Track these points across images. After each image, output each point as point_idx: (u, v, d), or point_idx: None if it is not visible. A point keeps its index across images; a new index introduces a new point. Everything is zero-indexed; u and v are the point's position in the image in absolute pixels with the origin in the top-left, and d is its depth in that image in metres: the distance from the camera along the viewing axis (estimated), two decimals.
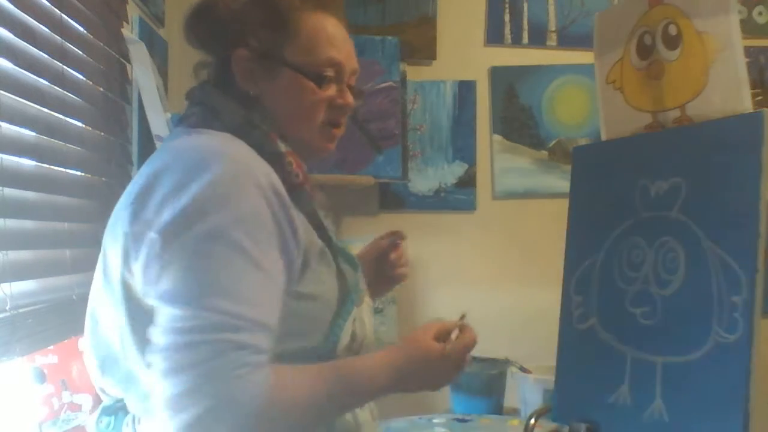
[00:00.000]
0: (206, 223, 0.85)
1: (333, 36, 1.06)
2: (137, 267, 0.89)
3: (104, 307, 0.97)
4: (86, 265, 1.33)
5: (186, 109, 1.05)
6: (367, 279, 1.21)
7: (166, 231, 0.86)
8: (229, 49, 1.02)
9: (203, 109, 1.01)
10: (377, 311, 2.37)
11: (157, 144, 1.59)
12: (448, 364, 1.02)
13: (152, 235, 0.86)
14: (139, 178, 0.94)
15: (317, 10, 1.05)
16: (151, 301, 0.87)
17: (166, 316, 0.84)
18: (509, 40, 2.58)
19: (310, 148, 1.06)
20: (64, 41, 1.25)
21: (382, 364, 0.98)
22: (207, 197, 0.86)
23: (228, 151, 0.92)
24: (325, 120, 1.06)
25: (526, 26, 2.58)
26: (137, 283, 0.89)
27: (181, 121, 1.03)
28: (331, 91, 1.05)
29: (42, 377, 1.26)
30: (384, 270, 1.32)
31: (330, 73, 1.04)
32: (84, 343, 1.02)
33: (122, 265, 0.91)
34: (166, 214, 0.86)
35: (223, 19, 1.03)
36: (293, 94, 1.04)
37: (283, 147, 1.00)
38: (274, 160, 0.97)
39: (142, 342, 0.88)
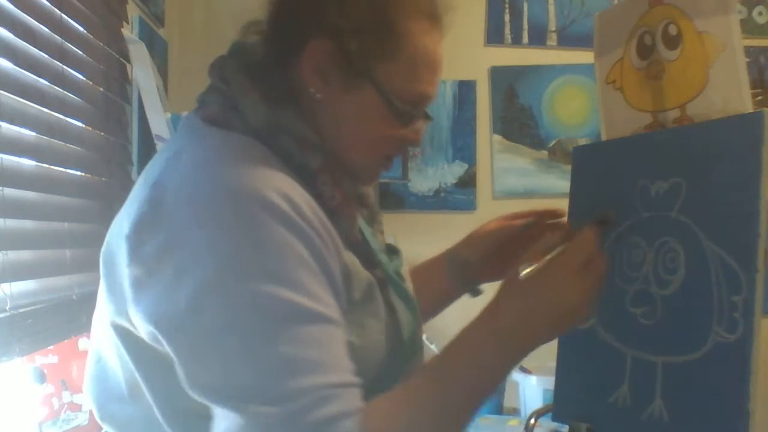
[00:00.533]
0: (229, 298, 0.69)
1: (434, 64, 0.85)
2: (138, 322, 0.74)
3: (106, 341, 0.83)
4: (86, 265, 1.33)
5: (206, 90, 0.87)
6: (475, 258, 1.07)
7: (179, 322, 0.70)
8: (310, 33, 0.82)
9: (224, 101, 0.83)
10: None
11: (157, 144, 1.59)
12: (548, 289, 0.81)
13: (163, 318, 0.71)
14: (141, 190, 0.78)
15: (427, 22, 0.84)
16: (192, 393, 0.71)
17: (224, 421, 0.69)
18: (509, 40, 2.58)
19: (355, 175, 0.87)
20: (64, 41, 1.25)
21: (476, 331, 0.80)
22: (217, 271, 0.69)
23: (241, 179, 0.73)
24: (387, 154, 0.89)
25: (526, 26, 2.58)
26: (140, 332, 0.75)
27: (199, 106, 0.86)
28: (410, 127, 0.87)
29: (42, 377, 1.26)
30: (503, 256, 1.06)
31: (417, 111, 0.86)
32: (86, 366, 0.89)
33: (115, 309, 0.78)
34: (172, 302, 0.70)
35: None
36: (366, 120, 0.84)
37: (317, 161, 0.81)
38: (304, 177, 0.79)
39: (156, 388, 0.77)
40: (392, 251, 0.98)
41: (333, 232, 0.77)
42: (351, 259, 0.81)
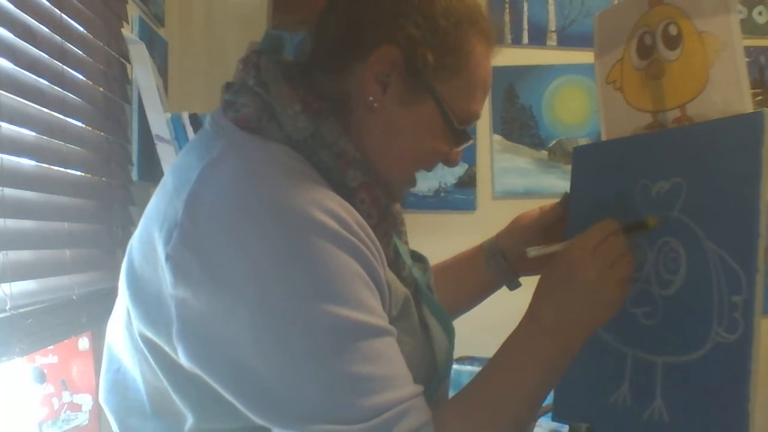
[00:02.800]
0: (291, 324, 0.67)
1: (488, 86, 0.86)
2: (180, 352, 0.71)
3: (128, 351, 0.81)
4: (86, 265, 1.33)
5: (238, 89, 0.82)
6: (513, 249, 1.07)
7: (237, 362, 0.68)
8: (382, 39, 0.79)
9: (259, 105, 0.78)
10: None
11: (157, 144, 1.59)
12: (565, 269, 0.82)
13: (219, 363, 0.69)
14: (175, 199, 0.73)
15: (487, 44, 0.85)
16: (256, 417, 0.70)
17: None
18: (509, 40, 2.58)
19: (388, 191, 0.86)
20: (64, 41, 1.25)
21: (526, 325, 0.81)
22: (273, 299, 0.68)
23: (285, 198, 0.70)
24: (422, 169, 0.88)
25: (526, 26, 2.58)
26: (179, 358, 0.72)
27: (228, 106, 0.81)
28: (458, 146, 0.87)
29: (42, 377, 1.26)
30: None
31: (466, 128, 0.85)
32: (102, 382, 0.86)
33: (147, 321, 0.74)
34: (226, 342, 0.68)
35: (395, 2, 0.80)
36: (419, 134, 0.83)
37: (356, 180, 0.79)
38: (342, 193, 0.76)
39: (194, 404, 0.74)
40: (418, 258, 0.97)
41: (378, 245, 0.76)
42: (390, 274, 0.80)
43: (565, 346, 0.80)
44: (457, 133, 0.84)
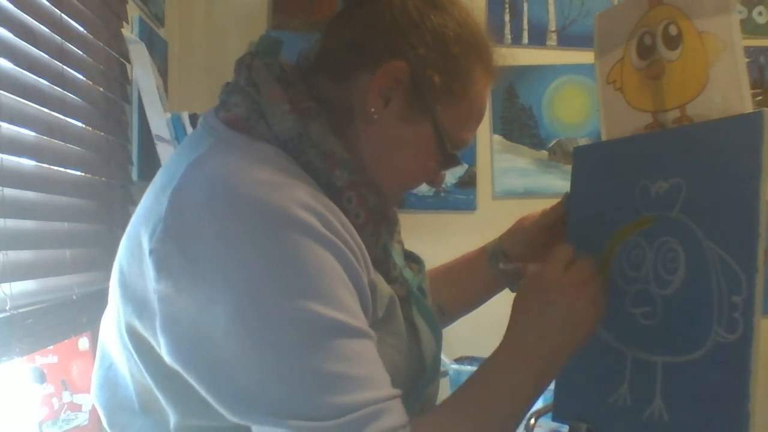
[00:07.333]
0: (268, 319, 0.67)
1: (482, 116, 0.89)
2: (162, 349, 0.71)
3: (118, 348, 0.81)
4: (86, 265, 1.33)
5: (230, 90, 0.83)
6: (516, 250, 1.09)
7: (214, 358, 0.68)
8: (394, 54, 0.81)
9: (249, 105, 0.79)
10: None
11: (157, 144, 1.59)
12: (540, 290, 0.84)
13: (197, 361, 0.69)
14: (161, 196, 0.74)
15: (488, 75, 0.88)
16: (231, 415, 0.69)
17: None
18: (509, 40, 2.58)
19: (379, 196, 0.86)
20: (64, 41, 1.25)
21: (505, 348, 0.83)
22: (252, 294, 0.67)
23: (266, 195, 0.70)
24: (410, 186, 0.91)
25: (526, 26, 2.58)
26: (161, 350, 0.72)
27: (220, 106, 0.82)
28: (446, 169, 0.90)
29: (42, 377, 1.26)
30: (547, 249, 1.02)
31: (456, 152, 0.87)
32: (94, 374, 0.87)
33: (134, 314, 0.74)
34: (203, 340, 0.68)
35: (410, 22, 0.82)
36: (413, 152, 0.85)
37: (343, 179, 0.79)
38: (330, 193, 0.77)
39: (176, 401, 0.75)
40: (413, 259, 0.97)
41: (362, 246, 0.76)
42: (375, 274, 0.80)
43: (545, 369, 0.83)
44: (447, 157, 0.86)
